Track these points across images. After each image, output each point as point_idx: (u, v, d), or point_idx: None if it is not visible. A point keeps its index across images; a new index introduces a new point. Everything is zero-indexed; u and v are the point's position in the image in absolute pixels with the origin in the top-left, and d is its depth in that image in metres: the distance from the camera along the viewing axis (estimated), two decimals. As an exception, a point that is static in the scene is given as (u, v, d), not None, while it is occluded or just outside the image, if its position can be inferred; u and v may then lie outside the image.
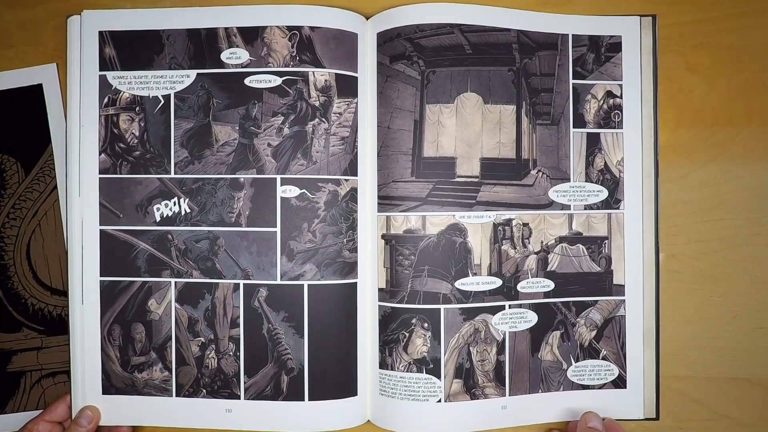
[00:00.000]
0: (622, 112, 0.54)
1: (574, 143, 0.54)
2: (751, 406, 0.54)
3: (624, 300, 0.54)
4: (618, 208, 0.54)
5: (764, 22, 0.54)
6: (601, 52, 0.54)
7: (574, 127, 0.54)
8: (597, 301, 0.54)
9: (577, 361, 0.54)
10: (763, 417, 0.54)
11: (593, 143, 0.54)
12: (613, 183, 0.54)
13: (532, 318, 0.53)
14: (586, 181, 0.54)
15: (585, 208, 0.54)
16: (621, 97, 0.54)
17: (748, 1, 0.54)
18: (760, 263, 0.54)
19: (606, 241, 0.54)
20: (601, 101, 0.54)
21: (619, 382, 0.54)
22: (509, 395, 0.53)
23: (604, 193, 0.54)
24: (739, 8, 0.54)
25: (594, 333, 0.54)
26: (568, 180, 0.54)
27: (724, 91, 0.54)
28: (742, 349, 0.54)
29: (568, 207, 0.54)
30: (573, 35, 0.54)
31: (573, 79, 0.54)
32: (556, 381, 0.54)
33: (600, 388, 0.54)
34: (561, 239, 0.54)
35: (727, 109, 0.54)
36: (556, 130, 0.54)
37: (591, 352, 0.54)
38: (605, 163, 0.54)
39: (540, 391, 0.54)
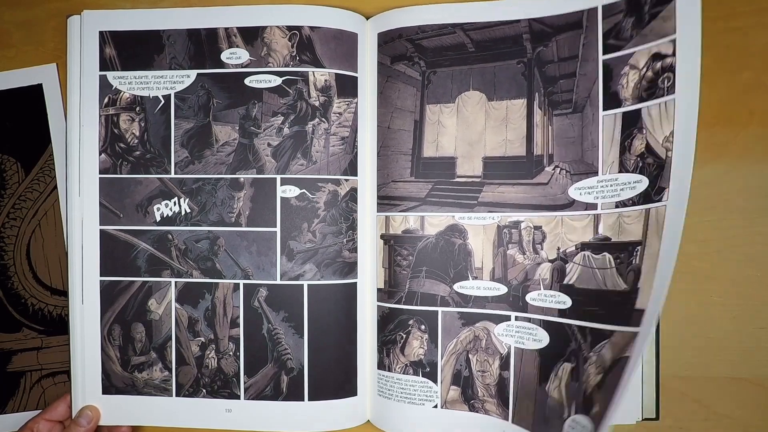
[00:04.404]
0: (674, 73, 0.44)
1: (604, 129, 0.47)
2: (751, 406, 0.54)
3: (637, 333, 0.42)
4: (660, 200, 0.44)
5: (764, 22, 0.54)
6: (645, 11, 0.46)
7: (604, 110, 0.47)
8: (613, 332, 0.44)
9: (576, 412, 0.45)
10: (763, 417, 0.53)
11: (631, 123, 0.46)
12: (656, 167, 0.44)
13: (542, 337, 0.49)
14: (620, 171, 0.46)
15: (616, 206, 0.46)
16: (674, 55, 0.44)
17: (748, 1, 0.54)
18: (760, 263, 0.54)
19: (639, 248, 0.45)
20: (644, 69, 0.46)
21: None
22: (512, 421, 0.49)
23: (643, 184, 0.45)
24: (739, 8, 0.54)
25: (599, 378, 0.44)
26: (596, 173, 0.47)
27: (724, 91, 0.54)
28: (742, 349, 0.54)
29: (594, 206, 0.47)
30: (603, 6, 0.47)
31: (603, 54, 0.47)
32: (554, 428, 0.46)
33: None
34: (584, 246, 0.47)
35: (727, 109, 0.54)
36: (579, 118, 0.49)
37: (586, 406, 0.44)
38: (647, 144, 0.45)
39: None
